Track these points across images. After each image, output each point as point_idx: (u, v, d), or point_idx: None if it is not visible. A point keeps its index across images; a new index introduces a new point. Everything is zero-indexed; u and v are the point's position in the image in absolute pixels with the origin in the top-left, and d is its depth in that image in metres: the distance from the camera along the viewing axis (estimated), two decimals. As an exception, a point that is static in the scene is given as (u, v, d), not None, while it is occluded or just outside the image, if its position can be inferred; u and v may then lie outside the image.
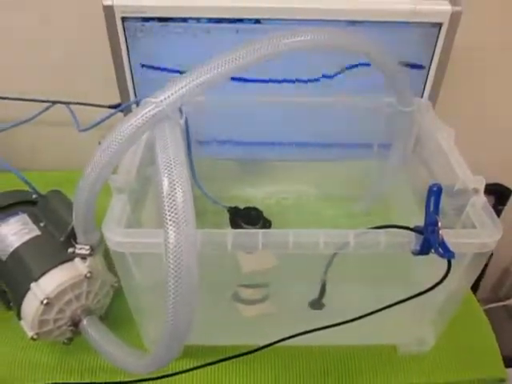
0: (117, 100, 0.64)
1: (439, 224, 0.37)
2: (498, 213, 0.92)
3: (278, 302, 0.52)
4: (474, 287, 1.04)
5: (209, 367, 0.50)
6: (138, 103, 0.60)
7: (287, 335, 0.45)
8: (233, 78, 0.59)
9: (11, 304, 0.57)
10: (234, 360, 0.48)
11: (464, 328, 0.57)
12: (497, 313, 1.04)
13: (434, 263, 0.38)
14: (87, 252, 0.47)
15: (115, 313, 0.57)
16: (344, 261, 0.42)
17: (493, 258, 0.95)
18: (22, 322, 0.50)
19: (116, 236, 0.38)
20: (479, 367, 0.55)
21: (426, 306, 0.49)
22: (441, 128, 0.53)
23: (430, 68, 0.59)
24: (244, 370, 0.53)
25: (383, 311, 0.42)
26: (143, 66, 0.59)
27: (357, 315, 0.42)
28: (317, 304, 0.48)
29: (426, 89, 0.61)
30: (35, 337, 0.49)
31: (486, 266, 0.98)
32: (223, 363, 0.51)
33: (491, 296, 1.12)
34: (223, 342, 0.53)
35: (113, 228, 0.38)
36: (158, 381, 0.48)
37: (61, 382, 0.52)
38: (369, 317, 0.42)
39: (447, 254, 0.35)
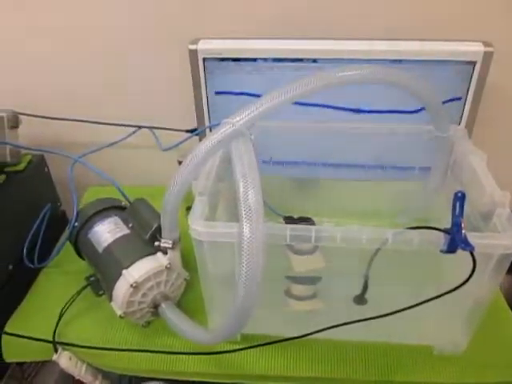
0: (193, 125, 0.76)
1: (463, 225, 0.44)
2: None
3: (326, 298, 0.59)
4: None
5: (259, 350, 0.60)
6: (211, 128, 0.72)
7: (332, 329, 0.52)
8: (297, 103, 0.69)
9: (100, 292, 0.69)
10: (281, 346, 0.57)
11: (496, 331, 0.62)
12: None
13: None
14: (170, 245, 0.58)
15: (185, 305, 0.66)
16: (385, 261, 0.49)
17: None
18: (113, 303, 0.61)
19: (198, 227, 0.48)
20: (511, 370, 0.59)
21: (458, 306, 0.54)
22: (474, 151, 0.60)
23: (466, 100, 0.67)
24: (290, 356, 0.61)
25: (420, 312, 0.48)
26: (217, 93, 0.71)
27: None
28: (360, 299, 0.55)
29: (463, 118, 0.68)
30: (123, 315, 0.59)
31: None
32: (272, 348, 0.60)
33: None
34: (274, 333, 0.59)
35: (196, 221, 0.48)
36: (220, 356, 0.59)
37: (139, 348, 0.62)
38: (406, 316, 0.48)
39: (468, 247, 0.42)
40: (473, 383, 0.58)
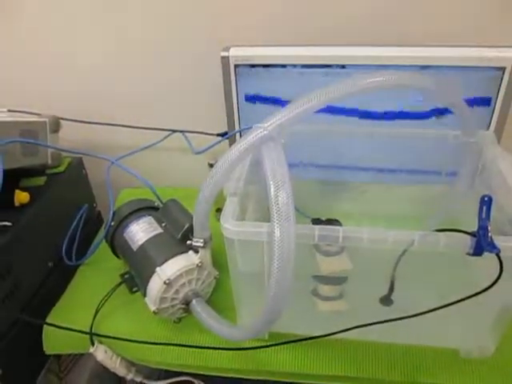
0: (223, 129, 0.78)
1: (489, 228, 0.45)
2: None
3: (352, 299, 0.60)
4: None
5: (286, 347, 0.62)
6: (241, 132, 0.74)
7: (358, 330, 0.53)
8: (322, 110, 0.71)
9: (134, 289, 0.72)
10: (307, 344, 0.59)
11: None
12: None
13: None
14: (201, 244, 0.60)
15: (215, 302, 0.68)
16: (413, 264, 0.50)
17: None
18: (147, 299, 0.63)
19: (230, 225, 0.50)
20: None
21: (485, 310, 0.55)
22: (503, 156, 0.60)
23: (495, 106, 0.67)
24: (316, 354, 0.62)
25: (446, 314, 0.49)
26: (247, 100, 0.73)
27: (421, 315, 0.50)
28: (386, 300, 0.56)
29: (492, 123, 0.69)
30: (156, 311, 0.62)
31: None
32: (299, 347, 0.62)
33: None
34: (301, 331, 0.61)
35: (228, 220, 0.50)
36: (248, 352, 0.61)
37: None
38: (433, 318, 0.49)
39: (494, 250, 0.43)
40: (499, 388, 0.59)
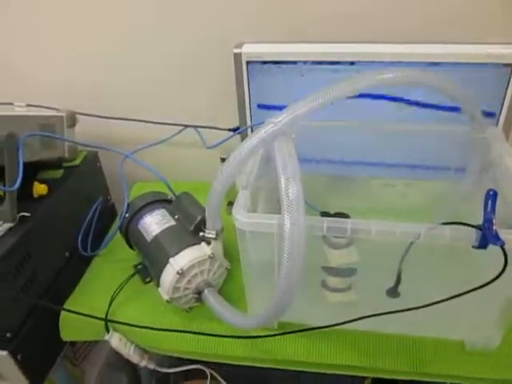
0: (235, 124, 0.80)
1: (494, 221, 0.46)
2: None
3: (359, 291, 0.62)
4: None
5: (295, 337, 0.64)
6: (252, 127, 0.76)
7: (365, 321, 0.55)
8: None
9: (147, 279, 0.74)
10: (315, 334, 0.61)
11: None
12: None
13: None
14: (213, 236, 0.62)
15: (226, 292, 0.70)
16: (420, 258, 0.51)
17: None
18: (160, 289, 0.65)
19: (241, 217, 0.51)
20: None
21: (491, 302, 0.55)
22: (510, 153, 0.61)
23: (503, 103, 0.68)
24: (323, 344, 0.64)
25: (452, 307, 0.49)
26: (259, 94, 0.75)
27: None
28: (393, 292, 0.57)
29: (500, 120, 0.69)
30: (169, 300, 0.64)
31: None
32: (307, 336, 0.64)
33: None
34: (309, 322, 0.62)
35: (240, 212, 0.52)
36: (258, 341, 0.63)
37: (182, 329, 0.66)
38: (438, 311, 0.50)
39: (499, 242, 0.44)
40: (505, 379, 0.59)
